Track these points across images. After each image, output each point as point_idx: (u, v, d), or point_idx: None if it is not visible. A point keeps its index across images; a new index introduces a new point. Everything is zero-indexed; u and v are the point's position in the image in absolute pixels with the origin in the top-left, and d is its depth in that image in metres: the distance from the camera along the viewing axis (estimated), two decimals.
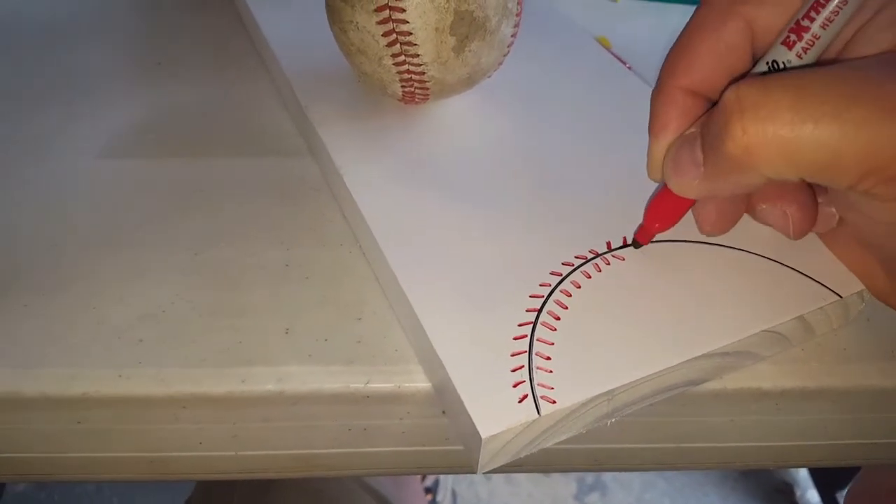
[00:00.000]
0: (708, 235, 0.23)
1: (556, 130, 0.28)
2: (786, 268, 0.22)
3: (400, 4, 0.23)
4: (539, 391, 0.18)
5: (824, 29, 0.18)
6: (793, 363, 0.22)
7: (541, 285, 0.21)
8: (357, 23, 0.24)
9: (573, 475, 1.01)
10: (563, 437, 0.19)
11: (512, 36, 0.26)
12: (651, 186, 0.24)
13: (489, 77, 0.27)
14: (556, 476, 1.00)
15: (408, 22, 0.23)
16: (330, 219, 0.26)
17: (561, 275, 0.21)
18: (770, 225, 0.22)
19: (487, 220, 0.23)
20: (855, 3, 0.18)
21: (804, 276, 0.22)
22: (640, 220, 0.23)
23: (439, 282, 0.21)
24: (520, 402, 0.18)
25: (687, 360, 0.20)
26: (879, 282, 0.21)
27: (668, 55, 0.21)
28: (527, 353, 0.19)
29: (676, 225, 0.22)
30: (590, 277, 0.22)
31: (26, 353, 0.21)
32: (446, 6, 0.23)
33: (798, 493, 0.98)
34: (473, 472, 0.19)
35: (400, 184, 0.24)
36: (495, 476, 0.98)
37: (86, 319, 0.22)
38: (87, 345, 0.21)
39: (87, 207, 0.26)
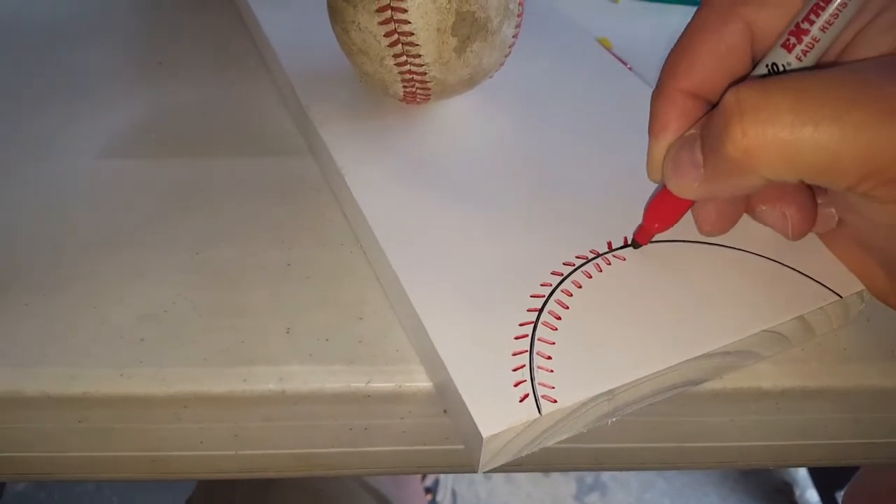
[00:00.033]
0: (707, 236, 0.23)
1: (557, 131, 0.28)
2: (786, 268, 0.22)
3: (402, 5, 0.23)
4: (540, 390, 0.18)
5: (824, 32, 0.18)
6: (793, 363, 0.22)
7: (542, 285, 0.21)
8: (359, 23, 0.24)
9: (573, 475, 1.01)
10: (564, 437, 0.19)
11: (513, 37, 0.26)
12: (651, 187, 0.24)
13: (490, 77, 0.27)
14: (555, 476, 1.00)
15: (409, 22, 0.23)
16: (331, 219, 0.26)
17: (562, 274, 0.21)
18: (769, 226, 0.22)
19: (488, 219, 0.23)
20: (854, 7, 0.18)
21: (804, 276, 0.22)
22: (640, 220, 0.23)
23: (440, 281, 0.21)
24: (521, 401, 0.18)
25: (687, 360, 0.20)
26: (879, 282, 0.21)
27: (669, 56, 0.21)
28: (528, 353, 0.19)
29: (677, 225, 0.22)
30: (591, 277, 0.22)
31: (27, 353, 0.21)
32: (448, 7, 0.23)
33: (798, 492, 0.98)
34: (474, 471, 0.19)
35: (401, 184, 0.24)
36: (495, 476, 0.98)
37: (86, 319, 0.22)
38: (88, 344, 0.21)
39: (88, 207, 0.26)
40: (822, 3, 0.18)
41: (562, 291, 0.21)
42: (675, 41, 0.21)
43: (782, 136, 0.16)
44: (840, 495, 0.92)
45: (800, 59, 0.19)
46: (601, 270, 0.22)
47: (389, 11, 0.23)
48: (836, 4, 0.18)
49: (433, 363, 0.20)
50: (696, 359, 0.20)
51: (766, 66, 0.19)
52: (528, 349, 0.19)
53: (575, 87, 0.30)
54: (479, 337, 0.20)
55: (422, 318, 0.20)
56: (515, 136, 0.27)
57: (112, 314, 0.22)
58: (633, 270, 0.22)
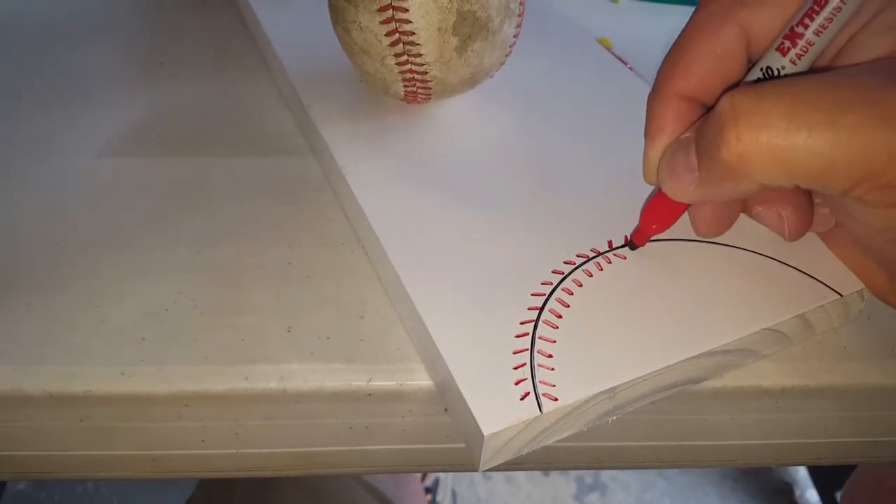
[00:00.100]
0: (704, 237, 0.23)
1: (558, 130, 0.28)
2: (786, 266, 0.22)
3: (403, 4, 0.23)
4: (541, 388, 0.18)
5: (818, 35, 0.18)
6: (793, 361, 0.22)
7: (542, 284, 0.21)
8: (360, 22, 0.24)
9: (573, 475, 1.01)
10: (565, 435, 0.19)
11: (514, 36, 0.26)
12: (651, 186, 0.24)
13: (491, 77, 0.27)
14: (555, 476, 1.00)
15: (411, 22, 0.23)
16: (331, 218, 0.26)
17: (563, 273, 0.22)
18: (766, 226, 0.22)
19: (489, 219, 0.23)
20: (849, 11, 0.18)
21: (805, 275, 0.22)
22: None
23: (441, 280, 0.21)
24: (522, 399, 0.18)
25: (688, 358, 0.20)
26: (879, 281, 0.21)
27: (665, 59, 0.21)
28: (529, 351, 0.19)
29: (678, 223, 0.22)
30: (591, 276, 0.22)
31: (28, 352, 0.21)
32: (449, 6, 0.23)
33: (797, 492, 0.98)
34: (475, 469, 0.19)
35: (402, 183, 0.25)
36: (495, 476, 0.98)
37: (87, 318, 0.22)
38: (89, 343, 0.21)
39: (88, 207, 0.26)
40: (816, 7, 0.18)
41: (562, 290, 0.21)
42: (673, 43, 0.21)
43: (776, 141, 0.16)
44: (840, 495, 0.92)
45: (794, 63, 0.19)
46: (602, 269, 0.22)
47: (391, 11, 0.23)
48: (830, 8, 0.18)
49: (434, 361, 0.20)
50: (696, 357, 0.20)
51: (761, 69, 0.19)
52: (529, 347, 0.19)
53: (575, 86, 0.30)
54: (480, 335, 0.20)
55: (423, 317, 0.20)
56: (516, 135, 0.28)
57: (113, 313, 0.22)
58: (634, 269, 0.22)
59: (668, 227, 0.22)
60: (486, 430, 0.17)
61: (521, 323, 0.20)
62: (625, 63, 0.32)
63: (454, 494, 0.94)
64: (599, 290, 0.21)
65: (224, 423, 0.21)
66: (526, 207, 0.24)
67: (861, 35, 0.19)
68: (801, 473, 1.00)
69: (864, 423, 0.24)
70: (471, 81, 0.26)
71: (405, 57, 0.24)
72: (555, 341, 0.20)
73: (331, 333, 0.22)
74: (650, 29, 0.39)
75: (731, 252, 0.23)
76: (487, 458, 0.18)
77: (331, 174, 0.27)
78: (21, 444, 0.22)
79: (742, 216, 0.23)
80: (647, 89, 0.22)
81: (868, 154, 0.16)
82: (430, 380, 0.21)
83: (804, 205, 0.21)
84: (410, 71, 0.24)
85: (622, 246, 0.23)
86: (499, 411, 0.18)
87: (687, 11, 0.21)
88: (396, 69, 0.24)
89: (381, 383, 0.21)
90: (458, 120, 0.28)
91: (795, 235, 0.22)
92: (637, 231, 0.22)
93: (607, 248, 0.22)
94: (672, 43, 0.21)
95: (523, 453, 0.19)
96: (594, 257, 0.22)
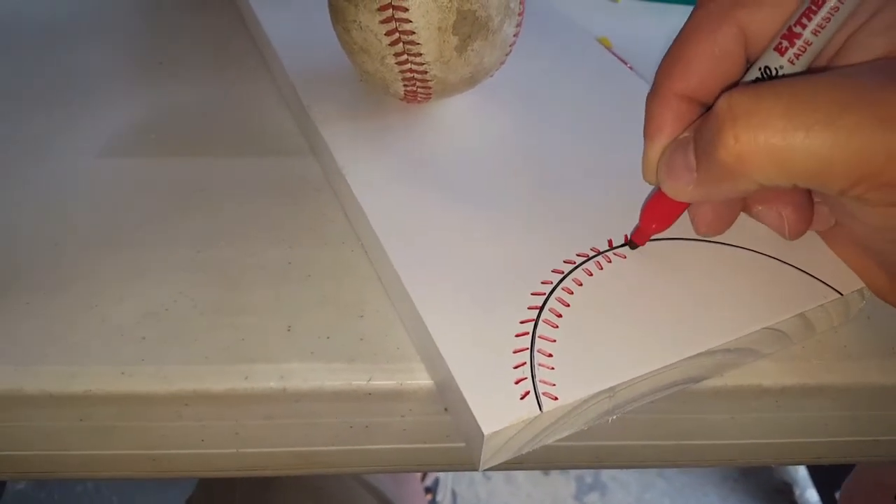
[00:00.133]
0: (704, 236, 0.23)
1: (558, 130, 0.28)
2: (787, 265, 0.22)
3: (403, 4, 0.23)
4: (541, 388, 0.18)
5: (816, 35, 0.18)
6: (793, 360, 0.22)
7: (542, 283, 0.21)
8: (360, 22, 0.24)
9: (572, 475, 1.01)
10: (565, 434, 0.19)
11: (514, 35, 0.26)
12: (651, 185, 0.24)
13: (491, 76, 0.27)
14: (555, 476, 1.00)
15: (411, 21, 0.23)
16: (331, 218, 0.26)
17: (563, 272, 0.22)
18: (766, 225, 0.22)
19: (489, 218, 0.23)
20: (846, 10, 0.18)
21: (805, 274, 0.22)
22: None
23: (442, 279, 0.21)
24: (522, 398, 0.18)
25: (688, 358, 0.20)
26: (880, 280, 0.21)
27: (664, 59, 0.21)
28: (529, 350, 0.19)
29: (678, 223, 0.22)
30: (591, 275, 0.22)
31: (28, 352, 0.21)
32: (449, 6, 0.23)
33: (797, 492, 0.98)
34: (475, 469, 0.19)
35: (402, 183, 0.25)
36: (495, 476, 0.98)
37: (87, 318, 0.22)
38: (89, 343, 0.21)
39: (88, 207, 0.26)
40: (814, 7, 0.18)
41: (563, 289, 0.21)
42: (671, 43, 0.21)
43: (774, 141, 0.16)
44: (839, 494, 0.92)
45: (792, 63, 0.19)
46: (602, 268, 0.22)
47: (390, 10, 0.23)
48: (827, 8, 0.18)
49: (434, 361, 0.20)
50: (696, 356, 0.20)
51: (759, 69, 0.19)
52: (529, 347, 0.19)
53: (575, 86, 0.30)
54: (480, 334, 0.20)
55: (423, 316, 0.20)
56: (516, 134, 0.28)
57: (113, 313, 0.22)
58: (634, 268, 0.22)
59: (668, 226, 0.22)
60: (486, 429, 0.17)
61: (521, 322, 0.20)
62: (625, 63, 0.33)
63: (454, 494, 0.94)
64: (599, 290, 0.21)
65: (224, 422, 0.21)
66: (526, 207, 0.24)
67: (859, 35, 0.19)
68: (801, 473, 1.00)
69: (864, 423, 0.24)
70: (471, 81, 0.26)
71: (405, 56, 0.24)
72: (555, 340, 0.20)
73: (331, 333, 0.22)
74: (650, 29, 0.39)
75: (731, 251, 0.23)
76: (487, 457, 0.18)
77: (331, 174, 0.27)
78: (21, 444, 0.22)
79: (742, 215, 0.23)
80: (648, 89, 0.22)
81: (866, 154, 0.16)
82: (430, 379, 0.21)
83: (804, 204, 0.21)
84: (410, 70, 0.24)
85: (622, 245, 0.23)
86: (499, 410, 0.18)
87: (687, 11, 0.21)
88: (396, 69, 0.24)
89: (381, 383, 0.21)
90: (458, 119, 0.28)
91: (795, 234, 0.22)
92: (637, 230, 0.22)
93: (607, 248, 0.22)
94: (671, 43, 0.21)
95: (523, 452, 0.19)
96: (594, 256, 0.22)
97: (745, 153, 0.16)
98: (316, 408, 0.21)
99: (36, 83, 0.33)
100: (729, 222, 0.22)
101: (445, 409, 0.21)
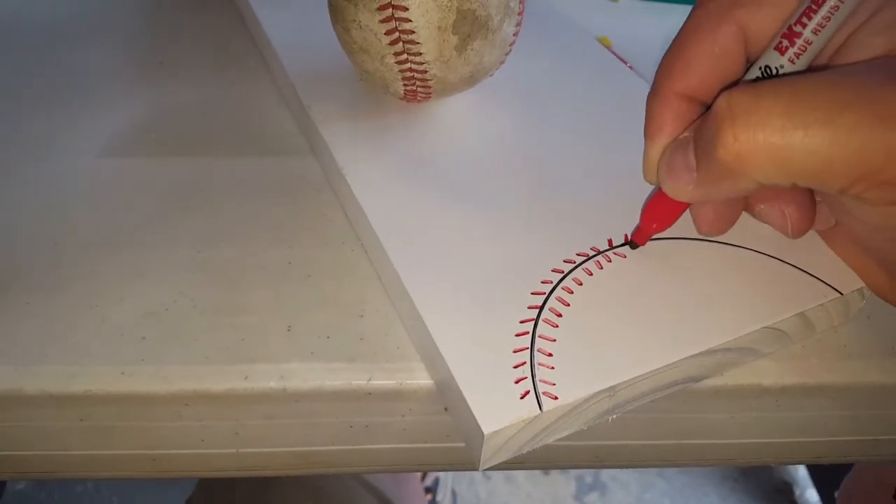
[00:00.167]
0: (706, 235, 0.23)
1: (558, 129, 0.28)
2: (787, 265, 0.22)
3: (403, 3, 0.23)
4: (541, 387, 0.18)
5: (816, 34, 0.18)
6: (793, 360, 0.22)
7: (542, 282, 0.21)
8: (360, 21, 0.24)
9: (572, 475, 1.01)
10: (565, 434, 0.19)
11: (514, 35, 0.26)
12: (651, 185, 0.24)
13: (491, 76, 0.27)
14: (555, 476, 1.00)
15: (410, 20, 0.23)
16: (331, 218, 0.26)
17: (563, 272, 0.22)
18: (769, 224, 0.22)
19: (489, 218, 0.23)
20: (846, 9, 0.18)
21: (805, 273, 0.22)
22: (640, 218, 0.23)
23: (441, 279, 0.21)
24: (522, 398, 0.18)
25: (688, 357, 0.20)
26: (880, 279, 0.21)
27: (664, 58, 0.21)
28: (529, 350, 0.19)
29: (678, 222, 0.22)
30: (591, 275, 0.22)
31: (28, 352, 0.21)
32: (449, 5, 0.23)
33: (797, 492, 0.98)
34: (475, 468, 0.19)
35: (402, 182, 0.25)
36: (495, 475, 0.98)
37: (87, 318, 0.22)
38: (89, 343, 0.21)
39: (88, 207, 0.26)
40: (814, 6, 0.18)
41: (563, 289, 0.21)
42: (671, 42, 0.21)
43: (773, 140, 0.16)
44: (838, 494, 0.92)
45: (793, 62, 0.19)
46: (602, 268, 0.22)
47: (390, 10, 0.23)
48: (828, 7, 0.18)
49: (434, 360, 0.20)
50: (696, 355, 0.20)
51: (759, 68, 0.19)
52: (529, 346, 0.19)
53: (575, 85, 0.30)
54: (480, 334, 0.20)
55: (423, 316, 0.20)
56: (516, 134, 0.28)
57: (113, 313, 0.22)
58: (634, 267, 0.22)
59: (669, 226, 0.22)
60: (486, 428, 0.17)
61: (521, 322, 0.20)
62: (625, 62, 0.33)
63: (454, 494, 0.94)
64: (599, 289, 0.21)
65: (224, 422, 0.21)
66: (526, 206, 0.24)
67: (858, 34, 0.19)
68: (801, 473, 1.00)
69: (864, 422, 0.24)
70: (470, 80, 0.26)
71: (405, 56, 0.24)
72: (555, 340, 0.20)
73: (331, 333, 0.22)
74: (650, 28, 0.39)
75: (731, 250, 0.23)
76: (487, 456, 0.18)
77: (331, 174, 0.27)
78: (21, 444, 0.22)
79: (742, 215, 0.23)
80: (648, 88, 0.22)
81: (865, 152, 0.16)
82: (430, 379, 0.21)
83: (806, 202, 0.21)
84: (410, 70, 0.24)
85: (622, 244, 0.23)
86: (499, 410, 0.18)
87: (687, 10, 0.21)
88: (396, 68, 0.24)
89: (381, 382, 0.21)
90: (457, 119, 0.28)
91: (798, 233, 0.22)
92: (638, 230, 0.22)
93: (607, 247, 0.22)
94: (671, 42, 0.21)
95: (523, 452, 0.19)
96: (594, 256, 0.22)
97: (745, 152, 0.16)
98: (316, 408, 0.21)
99: (36, 83, 0.33)
100: (731, 222, 0.22)
101: (445, 409, 0.21)
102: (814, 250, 0.23)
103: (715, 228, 0.22)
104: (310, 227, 0.25)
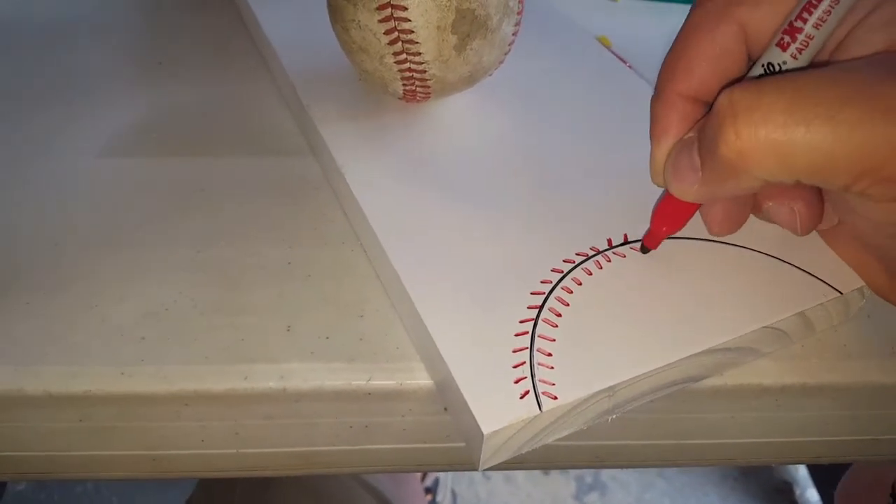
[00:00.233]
0: (717, 236, 0.23)
1: (557, 129, 0.28)
2: (786, 264, 0.22)
3: (402, 3, 0.23)
4: (541, 387, 0.18)
5: (817, 29, 0.18)
6: (793, 359, 0.22)
7: (542, 282, 0.21)
8: (359, 21, 0.24)
9: (572, 475, 1.01)
10: (565, 434, 0.19)
11: (513, 34, 0.26)
12: (650, 183, 0.24)
13: (490, 76, 0.27)
14: (555, 476, 1.00)
15: (410, 20, 0.23)
16: (331, 218, 0.26)
17: (562, 272, 0.22)
18: (777, 223, 0.22)
19: (488, 217, 0.23)
20: (847, 2, 0.18)
21: (805, 273, 0.22)
22: (640, 217, 0.23)
23: (441, 279, 0.21)
24: (521, 397, 0.18)
25: (688, 357, 0.20)
26: (880, 279, 0.21)
27: (666, 60, 0.21)
28: (528, 350, 0.19)
29: None
30: (591, 274, 0.22)
31: (28, 352, 0.21)
32: (448, 4, 0.23)
33: (798, 491, 0.98)
34: (475, 468, 0.19)
35: (401, 182, 0.25)
36: (495, 476, 0.98)
37: (87, 318, 0.22)
38: (89, 343, 0.21)
39: (88, 207, 0.26)
40: (814, 1, 0.18)
41: (562, 289, 0.21)
42: (672, 43, 0.21)
43: (775, 136, 0.16)
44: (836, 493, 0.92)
45: (795, 58, 0.19)
46: (602, 267, 0.22)
47: (389, 9, 0.23)
48: (827, 1, 0.18)
49: (434, 360, 0.20)
50: (696, 355, 0.20)
51: (762, 65, 0.19)
52: (529, 346, 0.19)
53: (575, 85, 0.30)
54: (479, 334, 0.20)
55: (422, 316, 0.20)
56: (515, 133, 0.28)
57: (113, 313, 0.22)
58: (634, 267, 0.22)
59: (680, 228, 0.22)
60: (486, 428, 0.17)
61: (521, 321, 0.20)
62: (624, 62, 0.33)
63: (454, 494, 0.94)
64: (599, 289, 0.21)
65: (224, 422, 0.22)
66: (525, 206, 0.24)
67: (857, 31, 0.19)
68: (802, 473, 1.00)
69: (864, 422, 0.24)
70: (470, 80, 0.26)
71: (404, 55, 0.24)
72: (554, 340, 0.20)
73: (331, 333, 0.22)
74: (650, 28, 0.39)
75: (731, 250, 0.23)
76: (487, 456, 0.18)
77: (330, 173, 0.27)
78: (21, 444, 0.22)
79: None
80: (648, 88, 0.22)
81: (868, 148, 0.16)
82: (429, 379, 0.21)
83: (814, 198, 0.21)
84: (409, 69, 0.24)
85: (622, 244, 0.23)
86: (498, 410, 0.18)
87: (686, 10, 0.21)
88: (395, 68, 0.24)
89: (381, 382, 0.21)
90: (457, 119, 0.28)
91: (807, 229, 0.21)
92: (648, 234, 0.22)
93: (607, 247, 0.22)
94: (671, 43, 0.21)
95: (523, 452, 0.19)
96: (594, 256, 0.22)
97: (747, 149, 0.16)
98: (316, 408, 0.21)
99: (36, 83, 0.33)
100: (740, 222, 0.22)
101: (445, 409, 0.21)
102: (814, 250, 0.23)
103: (724, 228, 0.22)
104: (310, 227, 0.25)
